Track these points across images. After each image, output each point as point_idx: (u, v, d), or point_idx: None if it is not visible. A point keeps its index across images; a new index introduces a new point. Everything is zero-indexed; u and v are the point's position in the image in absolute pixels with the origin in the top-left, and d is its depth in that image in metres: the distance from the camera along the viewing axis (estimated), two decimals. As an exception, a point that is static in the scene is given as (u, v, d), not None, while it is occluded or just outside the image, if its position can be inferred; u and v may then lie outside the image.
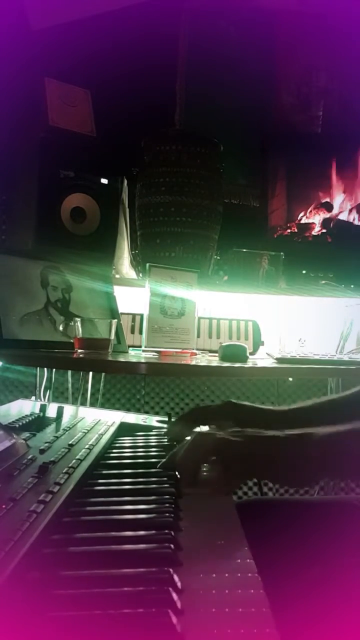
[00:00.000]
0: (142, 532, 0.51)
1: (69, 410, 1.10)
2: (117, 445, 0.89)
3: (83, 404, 1.74)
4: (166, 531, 0.51)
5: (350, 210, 2.05)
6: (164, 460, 0.74)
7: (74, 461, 0.69)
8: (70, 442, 0.79)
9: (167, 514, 0.56)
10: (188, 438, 0.72)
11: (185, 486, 0.66)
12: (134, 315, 1.63)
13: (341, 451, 0.68)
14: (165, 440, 0.91)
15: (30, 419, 0.97)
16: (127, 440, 0.93)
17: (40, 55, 1.79)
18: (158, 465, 0.73)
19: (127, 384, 1.95)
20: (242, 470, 0.67)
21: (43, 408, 1.05)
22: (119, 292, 1.55)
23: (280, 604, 0.43)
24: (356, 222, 2.03)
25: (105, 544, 0.49)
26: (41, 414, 1.03)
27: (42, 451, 0.73)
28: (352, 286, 1.77)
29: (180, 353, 1.35)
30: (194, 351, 1.38)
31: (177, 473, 0.69)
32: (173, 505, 0.59)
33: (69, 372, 1.78)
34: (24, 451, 0.73)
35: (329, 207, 2.04)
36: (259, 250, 1.73)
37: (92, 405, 1.79)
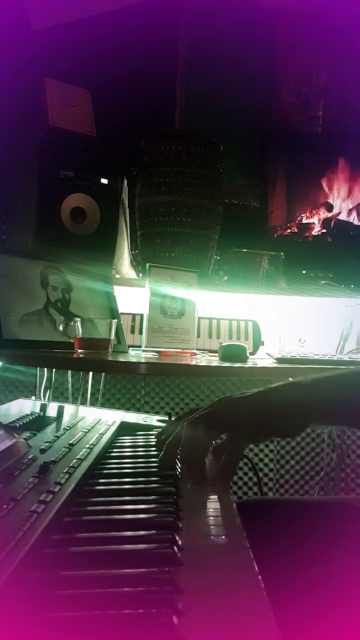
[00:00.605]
0: (142, 532, 0.51)
1: (69, 409, 1.10)
2: (117, 444, 0.89)
3: (83, 404, 1.75)
4: (166, 531, 0.51)
5: (350, 210, 2.05)
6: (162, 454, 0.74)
7: (74, 461, 0.69)
8: (70, 442, 0.79)
9: (168, 514, 0.56)
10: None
11: (195, 482, 0.68)
12: (134, 315, 1.63)
13: (329, 393, 0.71)
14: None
15: (31, 418, 0.97)
16: (127, 440, 0.93)
17: (40, 55, 1.79)
18: (159, 458, 0.74)
19: (127, 384, 1.95)
20: (241, 432, 0.69)
21: (43, 407, 1.05)
22: (119, 292, 1.55)
23: (281, 604, 0.43)
24: (356, 222, 2.03)
25: (105, 544, 0.49)
26: (41, 414, 1.03)
27: (42, 451, 0.73)
28: (352, 286, 1.77)
29: (180, 353, 1.35)
30: (194, 351, 1.38)
31: (181, 469, 0.71)
32: (173, 505, 0.59)
33: (69, 372, 1.78)
34: (25, 451, 0.73)
35: (329, 207, 2.04)
36: (259, 250, 1.73)
37: (92, 405, 1.79)
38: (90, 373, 1.77)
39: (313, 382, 0.72)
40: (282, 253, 1.73)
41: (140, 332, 1.45)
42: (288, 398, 0.71)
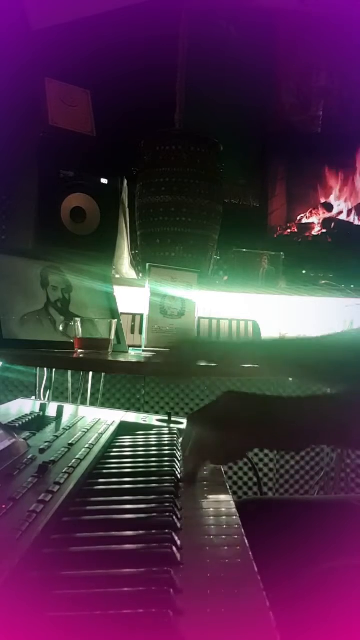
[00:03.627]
0: (142, 532, 0.51)
1: (69, 409, 1.10)
2: (117, 444, 0.89)
3: (83, 403, 1.74)
4: (166, 531, 0.51)
5: (350, 211, 2.05)
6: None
7: (74, 461, 0.69)
8: (70, 442, 0.79)
9: (167, 514, 0.56)
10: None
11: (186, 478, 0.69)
12: (134, 315, 1.63)
13: (336, 416, 0.69)
14: (165, 439, 0.91)
15: (30, 418, 0.97)
16: (127, 440, 0.93)
17: (40, 55, 1.80)
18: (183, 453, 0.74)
19: (127, 384, 1.95)
20: (244, 435, 0.68)
21: (43, 407, 1.05)
22: (119, 292, 1.55)
23: (280, 604, 0.43)
24: (356, 223, 2.03)
25: (105, 544, 0.49)
26: (41, 413, 1.03)
27: (42, 450, 0.73)
28: (352, 286, 1.77)
29: (180, 353, 1.35)
30: (194, 351, 1.38)
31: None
32: (173, 505, 0.59)
33: (69, 372, 1.78)
34: (24, 450, 0.73)
35: (329, 207, 2.05)
36: (259, 250, 1.73)
37: (92, 405, 1.79)
38: (90, 373, 1.77)
39: (325, 401, 0.71)
40: (282, 253, 1.73)
41: (140, 332, 1.45)
42: (295, 414, 0.68)
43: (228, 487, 0.71)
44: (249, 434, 0.67)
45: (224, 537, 0.53)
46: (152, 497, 0.62)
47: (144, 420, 1.09)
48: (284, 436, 0.67)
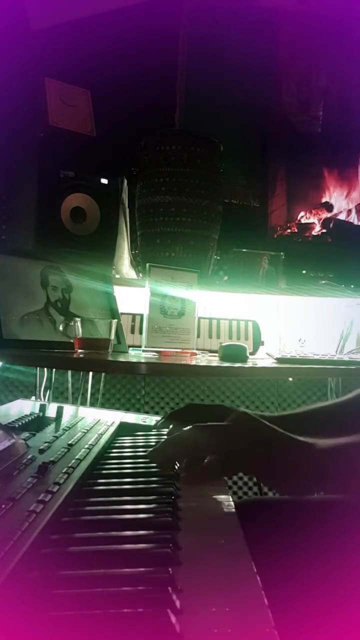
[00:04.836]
0: (141, 532, 0.51)
1: (68, 410, 1.10)
2: (116, 445, 0.89)
3: (83, 403, 1.75)
4: (165, 531, 0.51)
5: (350, 211, 2.05)
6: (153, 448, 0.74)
7: (73, 461, 0.69)
8: (69, 442, 0.79)
9: (167, 514, 0.56)
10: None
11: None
12: (134, 315, 1.63)
13: (341, 464, 0.67)
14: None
15: (30, 418, 0.97)
16: (126, 440, 0.93)
17: (40, 55, 1.80)
18: (147, 455, 0.74)
19: (127, 384, 1.95)
20: (233, 464, 0.68)
21: (43, 408, 1.05)
22: (119, 292, 1.55)
23: (280, 604, 0.43)
24: (356, 222, 2.03)
25: (104, 544, 0.49)
26: (41, 414, 1.03)
27: (41, 451, 0.73)
28: (352, 286, 1.77)
29: (180, 353, 1.35)
30: (194, 351, 1.38)
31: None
32: (173, 505, 0.59)
33: (69, 372, 1.78)
34: (24, 451, 0.73)
35: (329, 207, 2.05)
36: (259, 250, 1.73)
37: (92, 405, 1.79)
38: (90, 373, 1.77)
39: (332, 449, 0.68)
40: (282, 253, 1.73)
41: (140, 332, 1.45)
42: (304, 461, 0.67)
43: (228, 487, 0.71)
44: (249, 466, 0.67)
45: (223, 537, 0.53)
46: (152, 497, 0.62)
47: (144, 421, 1.09)
48: (284, 480, 0.67)
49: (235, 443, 0.68)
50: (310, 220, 2.03)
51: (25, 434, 0.82)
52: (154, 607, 0.38)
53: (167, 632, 0.36)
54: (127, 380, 1.95)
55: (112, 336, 1.27)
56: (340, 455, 0.67)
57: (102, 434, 0.88)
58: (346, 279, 1.80)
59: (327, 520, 0.79)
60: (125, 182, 1.71)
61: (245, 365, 1.30)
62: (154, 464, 0.75)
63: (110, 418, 1.05)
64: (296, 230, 2.01)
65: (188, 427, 0.71)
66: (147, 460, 0.78)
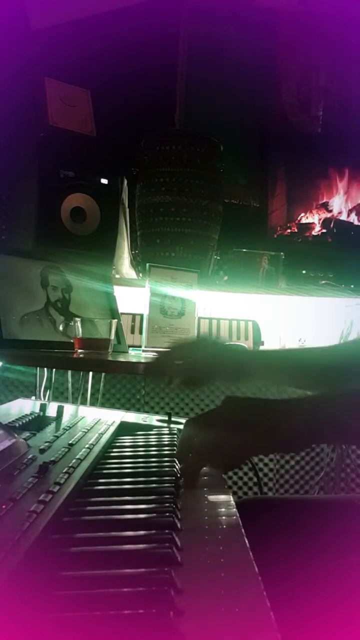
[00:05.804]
0: (142, 532, 0.51)
1: (69, 409, 1.10)
2: (117, 444, 0.89)
3: (83, 403, 1.74)
4: (166, 531, 0.51)
5: (350, 211, 2.05)
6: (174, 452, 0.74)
7: (74, 461, 0.69)
8: (70, 442, 0.79)
9: (167, 514, 0.56)
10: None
11: (187, 484, 0.68)
12: (134, 315, 1.63)
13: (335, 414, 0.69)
14: (165, 439, 0.91)
15: (31, 418, 0.97)
16: (127, 440, 0.93)
17: (40, 55, 1.80)
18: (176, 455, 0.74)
19: (127, 384, 1.95)
20: (243, 437, 0.68)
21: (43, 407, 1.05)
22: (119, 292, 1.55)
23: (281, 604, 0.43)
24: (356, 222, 2.03)
25: (105, 544, 0.49)
26: (41, 414, 1.03)
27: (42, 451, 0.73)
28: (352, 286, 1.77)
29: (180, 353, 1.35)
30: (194, 351, 1.38)
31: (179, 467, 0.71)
32: (173, 505, 0.59)
33: (69, 372, 1.78)
34: (24, 451, 0.73)
35: (328, 207, 2.05)
36: (259, 250, 1.73)
37: (92, 405, 1.79)
38: (90, 373, 1.77)
39: (324, 398, 0.72)
40: (282, 253, 1.73)
41: (140, 332, 1.45)
42: (296, 412, 0.69)
43: (228, 487, 0.71)
44: (247, 437, 0.67)
45: (224, 536, 0.53)
46: (152, 497, 0.62)
47: (144, 421, 1.09)
48: (283, 438, 0.67)
49: (231, 425, 0.69)
50: (310, 220, 2.03)
51: (26, 434, 0.82)
52: (155, 608, 0.38)
53: (168, 632, 0.36)
54: (127, 380, 1.95)
55: (112, 336, 1.27)
56: (327, 404, 0.70)
57: (102, 434, 0.88)
58: (346, 279, 1.80)
59: (328, 519, 0.79)
60: (125, 182, 1.70)
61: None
62: (154, 464, 0.75)
63: (111, 418, 1.05)
64: (296, 230, 2.01)
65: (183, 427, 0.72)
66: (147, 460, 0.78)
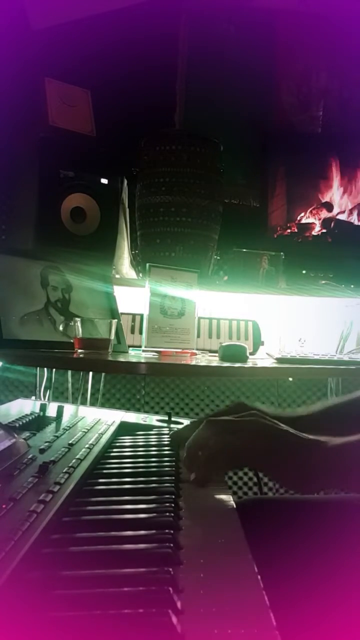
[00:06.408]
0: (142, 532, 0.51)
1: (69, 409, 1.10)
2: (117, 444, 0.89)
3: (83, 403, 1.74)
4: (166, 531, 0.51)
5: (351, 211, 2.05)
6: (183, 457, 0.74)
7: (74, 461, 0.69)
8: (70, 442, 0.79)
9: (167, 514, 0.56)
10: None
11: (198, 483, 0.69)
12: (134, 315, 1.63)
13: (350, 462, 0.68)
14: (165, 439, 0.91)
15: (31, 418, 0.97)
16: (127, 440, 0.93)
17: (40, 55, 1.79)
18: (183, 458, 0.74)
19: (127, 384, 1.95)
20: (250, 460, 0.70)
21: (43, 407, 1.05)
22: (119, 292, 1.55)
23: (280, 604, 0.43)
24: (356, 222, 2.03)
25: (105, 544, 0.49)
26: (41, 414, 1.03)
27: (42, 450, 0.73)
28: (352, 286, 1.77)
29: (180, 353, 1.35)
30: (194, 351, 1.38)
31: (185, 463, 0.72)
32: (173, 505, 0.59)
33: (69, 372, 1.78)
34: (24, 450, 0.73)
35: (329, 207, 2.04)
36: (259, 250, 1.73)
37: (92, 405, 1.79)
38: (90, 373, 1.77)
39: (341, 447, 0.68)
40: (282, 253, 1.73)
41: (140, 332, 1.45)
42: (309, 460, 0.68)
43: (228, 487, 0.71)
44: (258, 464, 0.70)
45: (224, 537, 0.53)
46: (152, 497, 0.62)
47: (144, 421, 1.09)
48: (291, 478, 0.68)
49: (241, 438, 0.69)
50: (310, 220, 2.02)
51: (26, 434, 0.82)
52: (155, 607, 0.38)
53: (168, 632, 0.36)
54: (127, 380, 1.95)
55: (112, 336, 1.27)
56: (348, 452, 0.68)
57: (102, 434, 0.89)
58: (346, 279, 1.80)
59: (327, 520, 0.79)
60: (125, 182, 1.70)
61: (245, 365, 1.30)
62: (154, 464, 0.76)
63: (111, 418, 1.05)
64: (296, 230, 2.01)
65: (202, 425, 0.72)
66: (147, 460, 0.79)
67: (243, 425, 0.71)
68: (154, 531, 0.51)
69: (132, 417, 1.13)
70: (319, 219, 2.01)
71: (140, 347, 1.36)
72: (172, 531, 0.51)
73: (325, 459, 0.67)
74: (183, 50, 2.05)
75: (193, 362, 1.31)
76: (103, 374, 1.83)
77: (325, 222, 2.00)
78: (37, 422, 0.98)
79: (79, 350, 1.23)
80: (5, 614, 0.36)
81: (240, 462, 0.76)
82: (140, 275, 1.69)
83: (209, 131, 1.72)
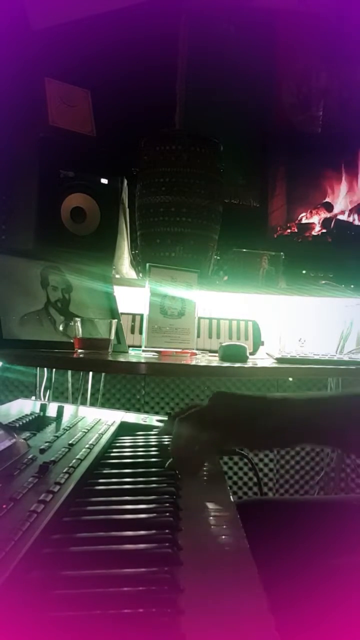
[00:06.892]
0: (142, 532, 0.51)
1: (69, 409, 1.10)
2: (117, 444, 0.89)
3: (83, 403, 1.74)
4: (166, 531, 0.51)
5: (351, 211, 2.05)
6: (168, 461, 0.74)
7: (74, 461, 0.69)
8: (70, 442, 0.79)
9: (167, 514, 0.56)
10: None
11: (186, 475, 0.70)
12: (134, 315, 1.63)
13: (324, 415, 0.70)
14: (165, 439, 0.91)
15: (31, 418, 0.97)
16: (127, 440, 0.93)
17: (40, 55, 1.79)
18: (166, 465, 0.74)
19: (127, 384, 1.95)
20: (223, 434, 0.70)
21: (43, 407, 1.05)
22: (119, 292, 1.55)
23: (280, 604, 0.43)
24: (356, 222, 2.03)
25: (105, 544, 0.49)
26: (41, 414, 1.03)
27: (42, 451, 0.73)
28: (352, 286, 1.77)
29: (180, 353, 1.35)
30: (194, 351, 1.38)
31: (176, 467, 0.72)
32: (173, 505, 0.59)
33: (69, 372, 1.78)
34: (25, 451, 0.73)
35: (329, 207, 2.05)
36: (259, 250, 1.73)
37: (92, 405, 1.79)
38: (90, 373, 1.77)
39: (308, 401, 0.72)
40: (282, 253, 1.73)
41: (140, 332, 1.45)
42: (283, 413, 0.71)
43: (228, 487, 0.72)
44: (227, 433, 0.70)
45: (224, 537, 0.53)
46: (152, 497, 0.62)
47: (144, 421, 1.09)
48: (261, 437, 0.70)
49: (214, 422, 0.71)
50: (310, 220, 2.03)
51: (26, 434, 0.82)
52: (155, 607, 0.38)
53: (168, 632, 0.36)
54: (127, 380, 1.95)
55: (112, 336, 1.27)
56: (323, 404, 0.71)
57: (102, 434, 0.89)
58: (346, 279, 1.80)
59: (327, 520, 0.80)
60: (125, 182, 1.70)
61: (245, 365, 1.30)
62: (154, 464, 0.76)
63: (111, 418, 1.05)
64: (296, 230, 2.01)
65: (175, 426, 0.73)
66: (147, 459, 0.79)
67: (207, 411, 0.73)
68: (154, 531, 0.51)
69: (132, 417, 1.13)
70: (319, 219, 2.01)
71: (140, 347, 1.36)
72: (172, 531, 0.51)
73: (300, 411, 0.70)
74: (183, 50, 2.05)
75: (193, 362, 1.31)
76: (103, 374, 1.83)
77: (325, 222, 2.00)
78: (37, 422, 0.98)
79: (79, 350, 1.23)
80: (5, 614, 0.37)
81: (222, 445, 0.77)
82: (140, 275, 1.69)
83: (209, 131, 1.71)
